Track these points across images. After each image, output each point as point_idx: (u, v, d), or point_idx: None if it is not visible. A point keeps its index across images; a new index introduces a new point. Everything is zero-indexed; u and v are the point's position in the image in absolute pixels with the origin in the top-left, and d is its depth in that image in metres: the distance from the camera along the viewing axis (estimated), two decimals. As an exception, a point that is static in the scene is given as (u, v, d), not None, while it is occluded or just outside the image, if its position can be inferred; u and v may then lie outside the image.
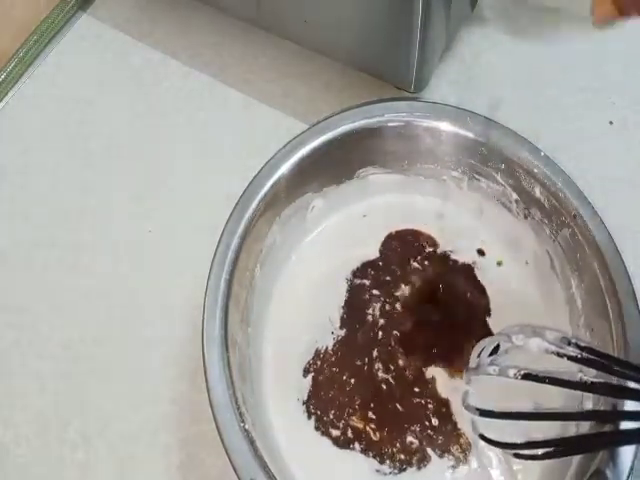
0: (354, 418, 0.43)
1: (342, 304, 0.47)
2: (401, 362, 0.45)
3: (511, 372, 0.36)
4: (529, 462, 0.40)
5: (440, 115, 0.46)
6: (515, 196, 0.46)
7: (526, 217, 0.46)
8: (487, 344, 0.40)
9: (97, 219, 0.53)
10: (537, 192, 0.45)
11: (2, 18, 0.57)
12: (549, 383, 0.35)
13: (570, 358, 0.35)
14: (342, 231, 0.49)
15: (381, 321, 0.46)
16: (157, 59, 0.59)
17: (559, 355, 0.36)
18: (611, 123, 0.53)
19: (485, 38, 0.57)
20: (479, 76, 0.56)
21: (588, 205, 0.43)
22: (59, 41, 0.60)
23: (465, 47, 0.57)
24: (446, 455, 0.42)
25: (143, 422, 0.46)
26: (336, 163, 0.47)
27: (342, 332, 0.46)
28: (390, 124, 0.47)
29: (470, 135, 0.46)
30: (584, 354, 0.35)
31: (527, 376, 0.36)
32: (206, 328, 0.41)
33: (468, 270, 0.47)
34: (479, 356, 0.41)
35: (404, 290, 0.47)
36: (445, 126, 0.46)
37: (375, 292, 0.47)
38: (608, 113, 0.54)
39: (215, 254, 0.43)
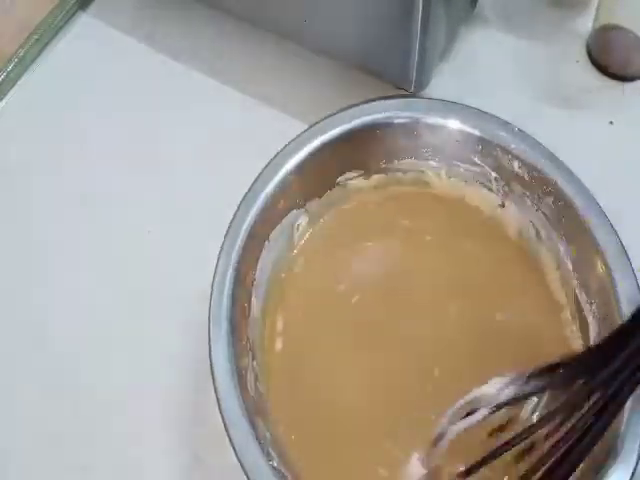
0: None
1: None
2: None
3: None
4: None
5: (409, 108, 0.46)
6: (494, 174, 0.46)
7: (507, 193, 0.46)
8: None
9: (97, 219, 0.53)
10: (516, 166, 0.45)
11: (2, 18, 0.57)
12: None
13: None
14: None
15: None
16: (157, 59, 0.59)
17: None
18: (611, 123, 0.53)
19: (485, 38, 0.57)
20: (479, 76, 0.56)
21: (567, 171, 0.44)
22: (59, 41, 0.60)
23: (465, 47, 0.57)
24: None
25: (145, 423, 0.46)
26: (316, 175, 0.46)
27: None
28: (362, 126, 0.46)
29: (443, 122, 0.46)
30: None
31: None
32: (215, 366, 0.39)
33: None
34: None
35: None
36: (417, 118, 0.46)
37: None
38: (608, 113, 0.54)
39: (212, 289, 0.41)
